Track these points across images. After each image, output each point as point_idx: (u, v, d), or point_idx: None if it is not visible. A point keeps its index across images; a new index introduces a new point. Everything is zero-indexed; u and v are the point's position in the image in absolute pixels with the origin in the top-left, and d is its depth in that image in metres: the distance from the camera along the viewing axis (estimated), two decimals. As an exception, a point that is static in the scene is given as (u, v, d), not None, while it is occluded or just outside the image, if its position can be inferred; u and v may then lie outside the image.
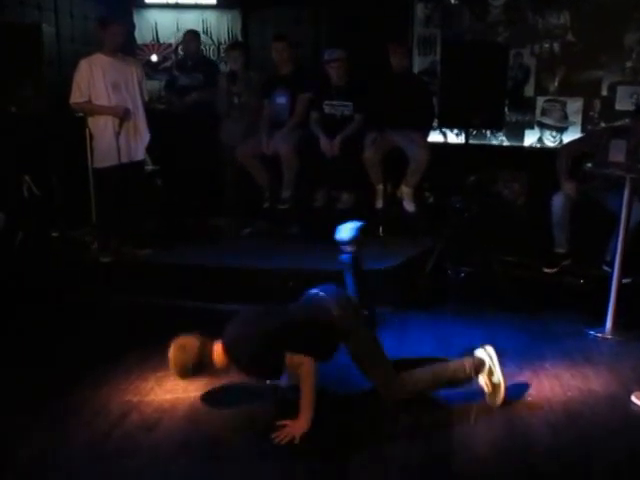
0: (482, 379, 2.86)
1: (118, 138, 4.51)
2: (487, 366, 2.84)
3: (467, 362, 2.87)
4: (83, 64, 4.52)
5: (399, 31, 5.76)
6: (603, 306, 3.78)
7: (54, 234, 4.93)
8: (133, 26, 6.26)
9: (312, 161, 5.05)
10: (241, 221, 5.40)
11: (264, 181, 5.26)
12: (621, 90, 5.47)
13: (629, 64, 5.41)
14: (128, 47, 5.67)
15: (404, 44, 5.41)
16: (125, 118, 4.56)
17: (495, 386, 2.81)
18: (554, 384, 3.09)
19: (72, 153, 4.89)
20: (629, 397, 2.95)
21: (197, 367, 2.70)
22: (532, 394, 2.98)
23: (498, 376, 2.81)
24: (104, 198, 4.73)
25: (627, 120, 4.94)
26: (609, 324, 3.76)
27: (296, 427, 2.60)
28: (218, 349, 2.71)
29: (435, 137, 5.86)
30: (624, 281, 3.84)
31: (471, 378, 2.84)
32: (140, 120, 4.72)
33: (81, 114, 4.70)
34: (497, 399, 2.80)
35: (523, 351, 3.44)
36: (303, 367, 2.64)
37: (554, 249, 4.52)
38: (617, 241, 3.80)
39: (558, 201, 4.50)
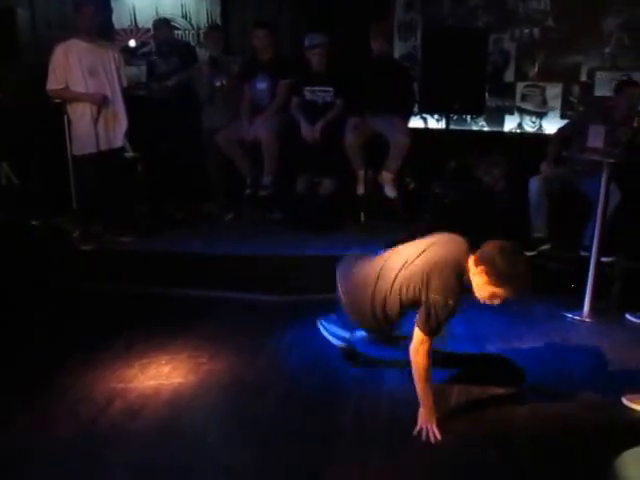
0: None
1: (96, 125, 4.47)
2: None
3: None
4: (58, 50, 4.45)
5: (380, 16, 5.73)
6: (581, 290, 3.84)
7: (34, 222, 4.88)
8: (110, 10, 6.17)
9: (293, 147, 5.05)
10: (223, 207, 5.40)
11: (245, 167, 5.24)
12: (600, 75, 5.51)
13: (608, 50, 5.45)
14: (106, 32, 5.59)
15: (387, 25, 5.39)
16: (103, 105, 4.51)
17: None
18: (532, 366, 3.14)
19: (51, 140, 4.83)
20: (605, 378, 3.01)
21: None
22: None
23: None
24: (84, 186, 4.69)
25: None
26: (586, 308, 3.83)
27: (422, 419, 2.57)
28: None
29: (416, 122, 5.88)
30: (603, 259, 3.90)
31: None
32: (118, 107, 4.66)
33: (59, 100, 4.64)
34: None
35: (502, 334, 3.50)
36: None
37: (532, 234, 4.55)
38: (594, 226, 3.85)
39: (534, 184, 4.52)
